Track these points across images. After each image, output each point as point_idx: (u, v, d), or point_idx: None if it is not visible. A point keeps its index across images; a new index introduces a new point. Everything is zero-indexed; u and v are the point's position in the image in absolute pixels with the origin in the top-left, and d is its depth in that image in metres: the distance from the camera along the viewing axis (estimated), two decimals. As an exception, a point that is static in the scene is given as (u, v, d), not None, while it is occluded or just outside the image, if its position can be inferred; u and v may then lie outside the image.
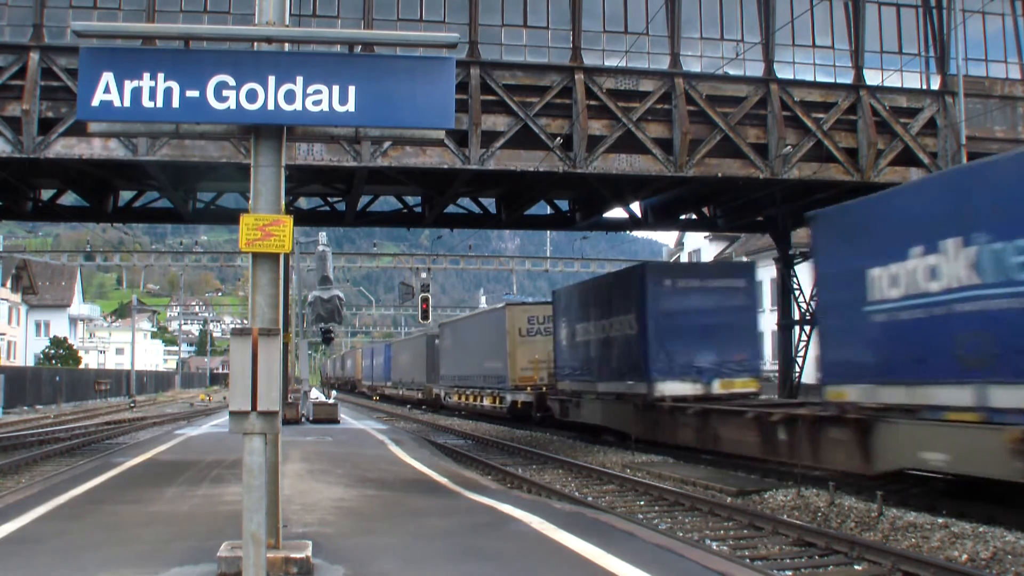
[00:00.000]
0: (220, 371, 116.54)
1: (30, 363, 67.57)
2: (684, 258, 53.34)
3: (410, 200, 24.16)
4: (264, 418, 6.03)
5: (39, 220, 31.52)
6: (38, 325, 78.33)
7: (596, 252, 62.07)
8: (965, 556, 9.12)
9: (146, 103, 6.33)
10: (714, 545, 9.99)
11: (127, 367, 72.60)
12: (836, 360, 13.41)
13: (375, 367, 64.03)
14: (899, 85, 18.70)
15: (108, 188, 22.11)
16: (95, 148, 15.81)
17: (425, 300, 31.00)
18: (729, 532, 10.96)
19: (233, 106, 6.40)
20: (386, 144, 15.97)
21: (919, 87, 18.96)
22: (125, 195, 23.04)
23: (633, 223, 25.86)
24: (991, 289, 10.24)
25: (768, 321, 28.57)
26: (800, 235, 25.47)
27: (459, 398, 36.78)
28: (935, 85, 18.89)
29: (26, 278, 71.41)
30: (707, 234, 47.38)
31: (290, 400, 25.15)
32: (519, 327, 29.20)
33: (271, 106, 6.41)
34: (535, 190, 21.93)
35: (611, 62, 17.49)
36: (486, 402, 32.48)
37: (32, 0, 15.80)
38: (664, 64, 17.63)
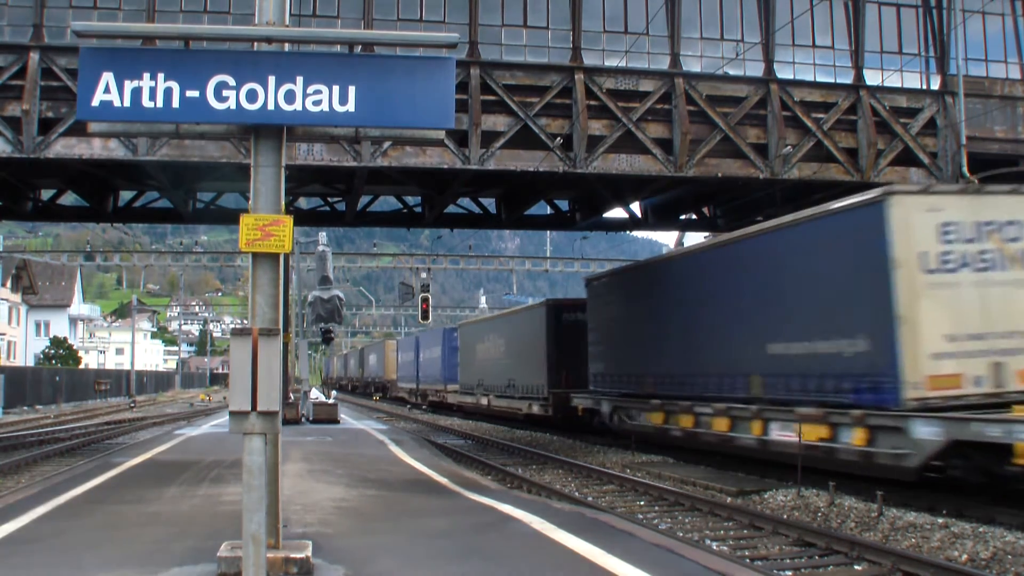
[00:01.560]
0: (220, 371, 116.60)
1: (30, 363, 67.58)
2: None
3: (410, 200, 24.15)
4: (264, 418, 6.03)
5: (39, 220, 31.51)
6: (38, 325, 78.36)
7: (596, 252, 61.97)
8: (965, 556, 9.12)
9: (146, 103, 6.34)
10: (714, 545, 9.99)
11: (127, 367, 72.62)
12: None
13: (424, 364, 46.09)
14: (899, 85, 18.70)
15: (108, 188, 22.10)
16: (95, 148, 15.81)
17: (425, 300, 31.00)
18: (729, 532, 10.95)
19: (233, 106, 6.40)
20: (386, 144, 15.96)
21: (919, 87, 18.95)
22: (125, 195, 23.03)
23: (633, 223, 25.83)
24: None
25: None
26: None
27: (668, 420, 18.02)
28: (935, 85, 18.89)
29: (26, 278, 71.43)
30: (707, 234, 47.32)
31: (290, 400, 25.16)
32: (919, 248, 12.22)
33: (271, 106, 6.42)
34: (535, 190, 21.92)
35: (611, 62, 17.48)
36: (783, 435, 14.17)
37: (32, 0, 15.80)
38: (664, 64, 17.62)
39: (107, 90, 6.30)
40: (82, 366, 72.56)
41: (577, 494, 14.08)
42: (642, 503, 13.42)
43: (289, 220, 6.53)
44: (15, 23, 15.93)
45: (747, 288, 15.87)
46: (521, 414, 28.52)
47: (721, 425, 16.05)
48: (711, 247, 18.53)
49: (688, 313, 18.00)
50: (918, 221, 12.29)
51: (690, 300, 18.00)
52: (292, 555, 6.51)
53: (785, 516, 11.57)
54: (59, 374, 53.53)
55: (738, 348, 15.99)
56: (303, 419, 25.93)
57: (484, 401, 33.04)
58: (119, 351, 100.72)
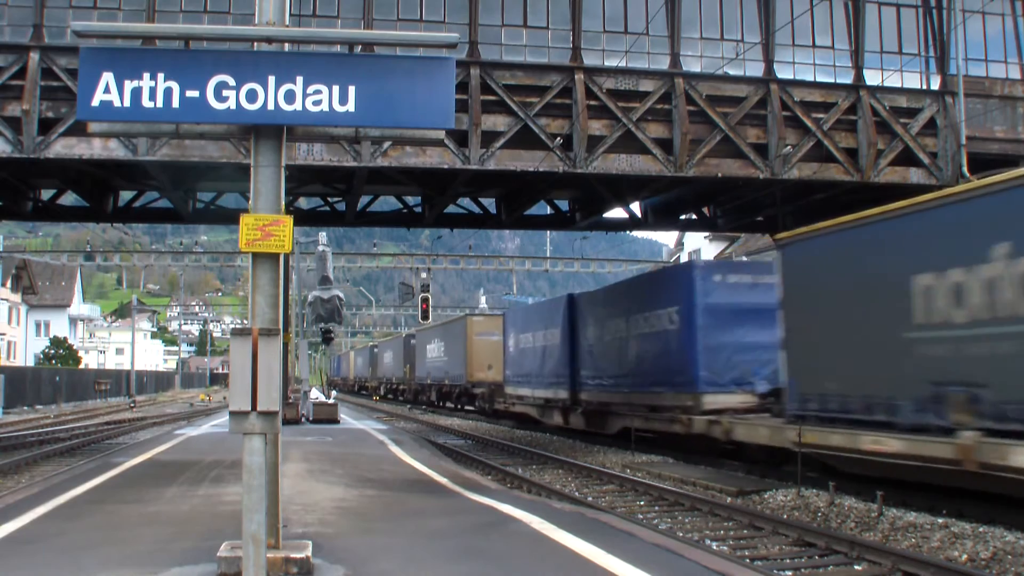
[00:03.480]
0: (220, 371, 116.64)
1: (30, 363, 67.60)
2: (684, 258, 52.85)
3: (410, 200, 24.13)
4: (264, 418, 6.03)
5: (39, 220, 31.51)
6: (38, 325, 78.40)
7: (596, 252, 62.06)
8: (965, 556, 9.12)
9: (146, 103, 6.33)
10: (714, 545, 9.99)
11: (127, 367, 72.61)
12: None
13: (600, 350, 23.00)
14: (899, 85, 18.68)
15: (108, 188, 22.09)
16: (95, 148, 15.80)
17: (425, 300, 30.99)
18: (729, 532, 10.96)
19: (233, 106, 6.40)
20: (386, 144, 15.95)
21: (919, 87, 18.94)
22: (125, 195, 23.01)
23: (633, 223, 25.82)
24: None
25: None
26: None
27: None
28: (935, 85, 18.88)
29: (26, 278, 71.48)
30: (707, 234, 47.37)
31: (290, 400, 25.17)
32: None
33: (271, 106, 6.42)
34: (535, 190, 21.91)
35: (611, 62, 17.47)
36: None
37: (32, 0, 15.80)
38: (664, 64, 17.62)
39: (107, 90, 6.30)
40: (82, 366, 72.58)
41: (577, 494, 14.09)
42: (642, 503, 13.42)
43: (289, 220, 6.53)
44: (15, 23, 15.92)
45: None
46: None
47: None
48: None
49: None
50: None
51: None
52: (292, 555, 6.51)
53: (785, 516, 11.57)
54: (59, 374, 53.52)
55: None
56: (303, 419, 25.94)
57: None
58: (119, 351, 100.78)
